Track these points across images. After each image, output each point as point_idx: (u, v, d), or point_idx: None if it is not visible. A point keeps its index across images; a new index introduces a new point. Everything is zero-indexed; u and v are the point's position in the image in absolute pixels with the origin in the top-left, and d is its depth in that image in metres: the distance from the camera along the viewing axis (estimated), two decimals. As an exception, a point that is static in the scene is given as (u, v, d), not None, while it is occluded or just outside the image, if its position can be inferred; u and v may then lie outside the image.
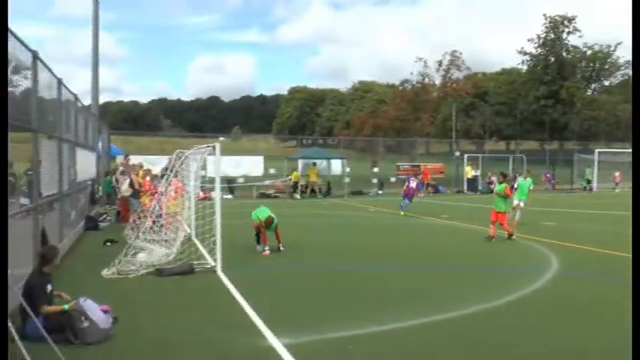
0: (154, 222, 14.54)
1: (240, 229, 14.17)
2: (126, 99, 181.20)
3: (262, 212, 13.76)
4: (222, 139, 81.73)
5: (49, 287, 7.22)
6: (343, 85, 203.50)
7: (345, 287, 10.18)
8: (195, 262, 11.61)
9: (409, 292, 9.77)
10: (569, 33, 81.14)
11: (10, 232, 8.53)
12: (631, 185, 42.79)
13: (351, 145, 66.66)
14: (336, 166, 38.98)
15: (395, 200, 32.74)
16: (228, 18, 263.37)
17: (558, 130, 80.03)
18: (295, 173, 36.12)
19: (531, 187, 19.49)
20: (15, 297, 6.70)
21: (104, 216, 19.91)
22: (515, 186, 19.53)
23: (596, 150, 47.84)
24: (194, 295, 9.52)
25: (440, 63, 61.19)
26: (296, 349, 6.63)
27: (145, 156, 31.47)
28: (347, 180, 37.21)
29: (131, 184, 18.24)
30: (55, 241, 11.04)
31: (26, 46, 8.94)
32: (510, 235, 16.04)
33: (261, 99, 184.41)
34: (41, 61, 10.03)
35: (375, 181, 40.54)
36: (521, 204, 19.13)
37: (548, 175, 43.81)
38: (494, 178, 40.89)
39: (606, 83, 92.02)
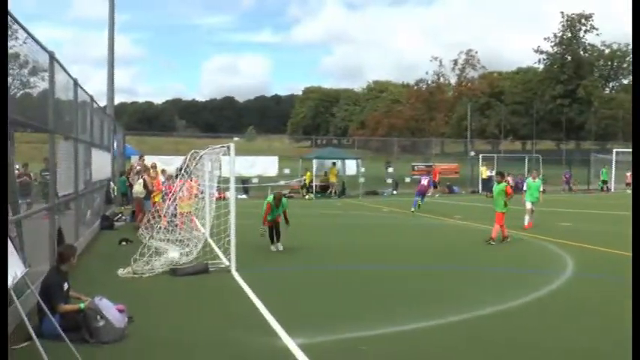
0: (168, 222, 14.66)
1: (255, 229, 14.19)
2: (141, 99, 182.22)
3: (271, 196, 14.12)
4: (236, 139, 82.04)
5: (66, 286, 7.31)
6: (358, 85, 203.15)
7: (358, 287, 10.19)
8: (210, 262, 11.68)
9: (423, 293, 9.77)
10: (586, 31, 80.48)
11: (28, 231, 8.67)
12: (613, 186, 42.52)
13: (366, 145, 66.52)
14: (351, 166, 38.98)
15: (409, 200, 32.72)
16: (242, 18, 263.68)
17: (575, 130, 79.37)
18: (308, 174, 36.22)
19: (542, 189, 19.35)
20: (33, 295, 6.80)
21: (119, 216, 20.09)
22: (525, 187, 19.39)
23: (614, 150, 47.39)
24: (208, 295, 9.59)
25: (455, 62, 61.01)
26: (310, 350, 6.65)
27: (160, 156, 31.71)
28: (361, 180, 37.20)
29: (145, 185, 18.37)
30: (70, 240, 11.17)
31: (43, 48, 9.06)
32: (505, 237, 15.62)
33: (276, 99, 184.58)
34: (58, 62, 10.15)
35: (389, 181, 40.49)
36: (533, 206, 18.93)
37: (567, 176, 43.45)
38: (509, 179, 40.72)
39: (625, 82, 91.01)
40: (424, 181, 26.07)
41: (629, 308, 8.56)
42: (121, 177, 24.36)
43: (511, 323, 7.95)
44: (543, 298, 9.40)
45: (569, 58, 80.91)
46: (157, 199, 17.58)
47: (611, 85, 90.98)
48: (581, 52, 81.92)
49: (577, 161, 56.56)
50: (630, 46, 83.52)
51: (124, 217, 20.03)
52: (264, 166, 37.27)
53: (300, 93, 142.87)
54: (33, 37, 8.20)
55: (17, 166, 13.56)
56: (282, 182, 37.43)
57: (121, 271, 11.00)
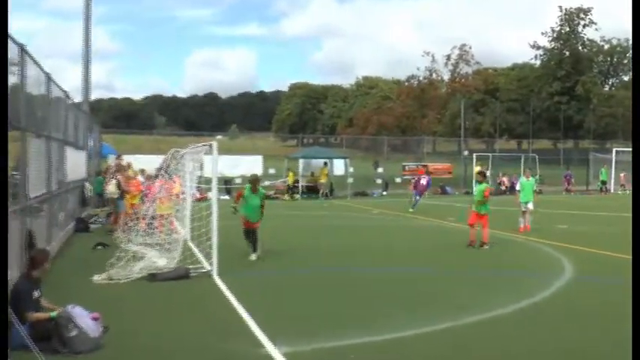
0: (147, 225, 14.58)
1: (238, 231, 14.15)
2: (119, 95, 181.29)
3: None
4: (219, 137, 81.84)
5: (37, 294, 7.22)
6: (347, 81, 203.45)
7: (346, 292, 10.19)
8: (191, 267, 11.63)
9: (413, 298, 9.79)
10: (584, 26, 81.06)
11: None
12: (612, 187, 42.68)
13: (355, 144, 66.64)
14: (339, 166, 38.98)
15: (400, 201, 32.74)
16: (226, 11, 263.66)
17: (573, 128, 79.92)
18: (291, 174, 36.05)
19: (536, 188, 19.55)
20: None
21: (95, 218, 19.96)
22: (518, 188, 19.24)
23: (614, 149, 47.74)
24: (189, 301, 9.54)
25: (448, 57, 61.28)
26: (295, 359, 6.64)
27: (139, 155, 31.53)
28: (350, 180, 37.23)
29: (118, 185, 18.26)
30: (42, 244, 11.07)
31: (13, 40, 8.96)
32: (484, 243, 15.28)
33: (261, 96, 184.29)
34: (29, 55, 10.05)
35: (379, 181, 40.56)
36: (530, 206, 18.84)
37: (568, 177, 43.50)
38: (505, 179, 40.94)
39: (625, 78, 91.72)
40: (423, 181, 27.22)
41: (629, 313, 8.64)
42: (97, 177, 24.21)
43: (504, 330, 7.98)
44: (539, 303, 9.45)
45: (567, 53, 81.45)
46: (135, 201, 17.49)
47: (610, 81, 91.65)
48: (580, 48, 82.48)
49: (575, 161, 57.00)
50: (630, 42, 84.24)
51: (100, 220, 19.90)
52: (248, 165, 37.10)
53: (287, 89, 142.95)
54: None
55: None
56: (267, 183, 37.34)
57: (96, 277, 10.92)
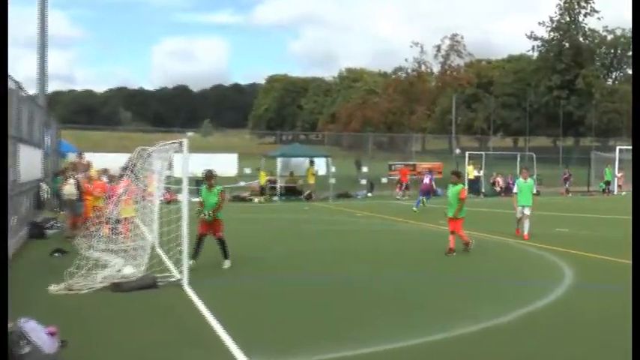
0: (111, 229, 14.47)
1: (210, 236, 14.06)
2: (79, 87, 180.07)
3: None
4: (190, 134, 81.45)
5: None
6: (329, 74, 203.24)
7: (326, 302, 10.18)
8: (158, 275, 11.55)
9: (401, 307, 9.80)
10: (586, 15, 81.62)
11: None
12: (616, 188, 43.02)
13: (338, 142, 66.71)
14: (320, 165, 39.04)
15: (386, 203, 32.84)
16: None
17: (573, 125, 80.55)
18: (262, 173, 35.92)
19: (535, 190, 19.42)
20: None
21: (52, 222, 19.73)
22: (515, 190, 18.82)
23: (617, 147, 48.22)
24: (156, 313, 9.47)
25: (438, 48, 61.35)
26: (273, 375, 6.61)
27: (102, 153, 31.32)
28: (332, 181, 37.27)
29: (78, 186, 18.08)
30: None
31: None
32: (467, 244, 15.43)
33: (236, 89, 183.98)
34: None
35: (363, 182, 40.64)
36: (527, 211, 18.39)
37: (566, 177, 43.82)
38: (499, 179, 41.22)
39: (629, 72, 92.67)
40: (426, 180, 28.64)
41: (632, 323, 8.71)
42: (55, 177, 23.97)
43: (499, 341, 8.01)
44: (537, 312, 9.51)
45: (567, 44, 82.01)
46: (98, 203, 17.34)
47: (613, 75, 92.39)
48: (581, 38, 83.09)
49: (576, 160, 57.50)
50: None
51: (58, 224, 19.69)
52: (221, 164, 36.82)
53: (264, 82, 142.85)
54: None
55: None
56: (242, 183, 37.32)
57: (53, 288, 10.79)
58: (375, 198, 37.71)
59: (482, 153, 45.44)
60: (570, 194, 40.40)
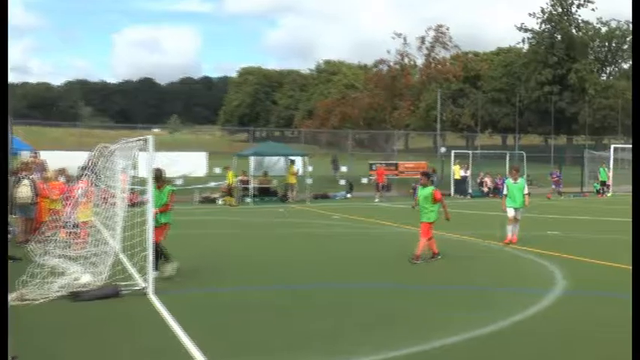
0: (69, 234, 14.35)
1: (178, 241, 14.04)
2: (34, 80, 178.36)
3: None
4: (156, 130, 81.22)
5: None
6: (306, 66, 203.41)
7: (301, 311, 10.20)
8: (122, 284, 11.48)
9: (380, 317, 9.82)
10: (579, 6, 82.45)
11: None
12: (611, 189, 43.26)
13: (315, 139, 66.77)
14: (296, 164, 39.03)
15: (366, 205, 32.90)
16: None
17: (566, 122, 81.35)
18: (230, 173, 35.78)
19: (526, 190, 18.33)
20: None
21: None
22: (505, 192, 18.48)
23: (612, 146, 48.77)
24: (119, 325, 9.41)
25: (422, 40, 61.57)
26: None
27: (60, 151, 31.07)
28: (309, 181, 37.29)
29: (33, 187, 17.89)
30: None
31: None
32: (435, 254, 15.22)
33: (206, 82, 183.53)
34: None
35: (342, 182, 40.71)
36: (518, 215, 18.14)
37: (554, 177, 43.88)
38: (487, 180, 41.52)
39: (625, 66, 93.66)
40: None
41: (627, 333, 8.81)
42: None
43: (483, 353, 8.07)
44: (525, 321, 9.57)
45: (559, 37, 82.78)
46: (55, 206, 17.19)
47: (608, 70, 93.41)
48: (574, 31, 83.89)
49: (568, 159, 58.11)
50: (631, 25, 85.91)
51: (10, 229, 19.47)
52: (190, 164, 37.03)
53: (236, 75, 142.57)
54: None
55: None
56: (212, 184, 37.21)
57: (5, 297, 10.68)
58: (354, 200, 37.79)
59: (470, 151, 45.76)
60: (562, 196, 40.55)
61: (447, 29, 62.13)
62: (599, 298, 11.51)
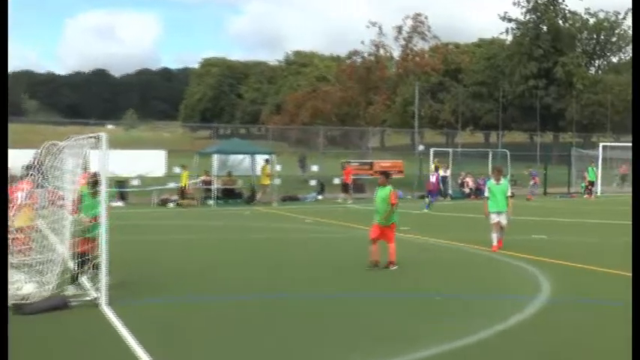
0: (12, 240, 14.13)
1: (136, 247, 13.93)
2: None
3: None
4: (111, 127, 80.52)
5: None
6: (273, 57, 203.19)
7: (268, 324, 10.14)
8: (71, 294, 11.35)
9: (355, 329, 9.83)
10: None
11: None
12: (600, 189, 43.63)
13: (284, 136, 66.69)
14: (263, 163, 38.94)
15: (339, 208, 32.93)
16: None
17: (552, 119, 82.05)
18: (185, 173, 35.46)
19: (510, 192, 18.07)
20: None
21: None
22: (487, 194, 18.23)
23: (600, 144, 49.33)
24: (68, 340, 9.31)
25: (399, 30, 61.82)
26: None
27: (2, 149, 30.56)
28: (277, 182, 37.22)
29: None
30: None
31: None
32: (391, 263, 14.84)
33: (165, 74, 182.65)
34: None
35: (313, 183, 40.68)
36: (502, 220, 17.76)
37: (533, 177, 43.69)
38: (469, 180, 41.75)
39: (614, 60, 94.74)
40: (432, 178, 31.46)
41: (619, 339, 8.91)
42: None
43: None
44: (510, 330, 9.64)
45: (545, 28, 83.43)
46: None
47: (596, 63, 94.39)
48: (560, 22, 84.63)
49: (555, 157, 58.64)
50: (621, 17, 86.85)
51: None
52: (148, 163, 36.70)
53: (198, 66, 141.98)
54: None
55: None
56: (172, 185, 36.98)
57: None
58: (325, 202, 37.78)
59: (450, 150, 46.01)
60: (534, 199, 39.95)
61: (426, 18, 62.47)
62: (586, 305, 11.63)
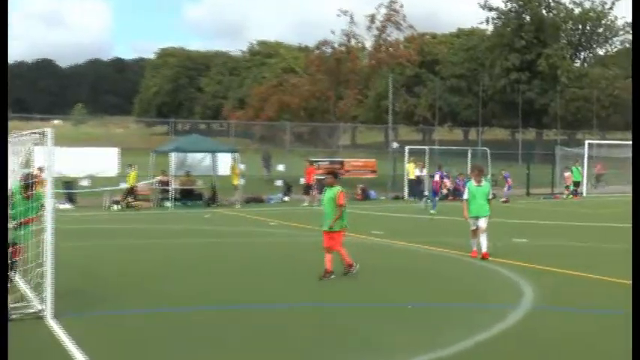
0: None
1: (84, 253, 13.80)
2: None
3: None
4: (57, 122, 79.82)
5: None
6: (236, 48, 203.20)
7: (230, 336, 10.12)
8: (11, 305, 11.21)
9: (323, 340, 9.84)
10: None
11: None
12: (585, 190, 44.00)
13: (247, 133, 66.55)
14: (225, 162, 38.83)
15: (307, 210, 32.93)
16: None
17: (535, 115, 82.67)
18: (133, 174, 35.13)
19: (491, 196, 17.79)
20: None
21: None
22: (466, 196, 17.81)
23: (586, 141, 49.83)
24: (9, 357, 9.18)
25: (372, 19, 61.92)
26: None
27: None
28: (240, 182, 37.13)
29: None
30: None
31: None
32: (350, 266, 14.80)
33: (117, 65, 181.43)
34: None
35: (279, 183, 40.62)
36: (482, 223, 17.43)
37: (508, 179, 42.91)
38: (447, 180, 41.89)
39: (600, 52, 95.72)
40: (436, 177, 32.69)
41: (604, 349, 9.01)
42: None
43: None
44: (492, 340, 9.68)
45: (528, 18, 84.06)
46: None
47: (582, 55, 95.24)
48: (544, 11, 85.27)
49: (538, 156, 59.12)
50: (607, 7, 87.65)
51: None
52: (99, 161, 36.44)
53: (153, 57, 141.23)
54: None
55: None
56: (124, 185, 36.72)
57: None
58: (292, 203, 37.75)
59: (426, 147, 46.07)
60: (505, 201, 39.76)
61: (401, 7, 62.61)
62: (570, 313, 11.70)
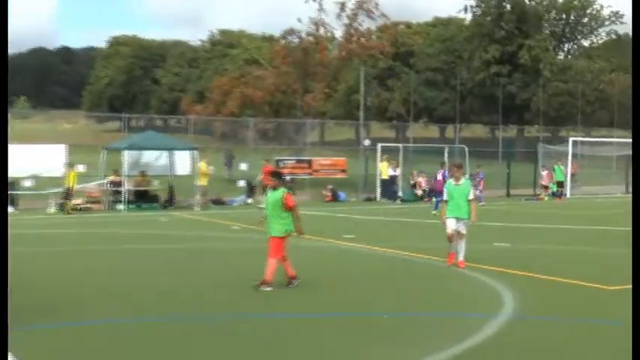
0: None
1: (25, 261, 13.62)
2: None
3: None
4: (-2, 117, 79.09)
5: None
6: (195, 37, 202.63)
7: (188, 350, 10.11)
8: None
9: (286, 354, 9.86)
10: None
11: None
12: (569, 191, 44.31)
13: (207, 129, 66.28)
14: (183, 160, 38.65)
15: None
16: None
17: (516, 110, 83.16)
18: (73, 174, 34.63)
19: (472, 196, 17.25)
20: None
21: None
22: (445, 197, 17.47)
23: (570, 138, 50.20)
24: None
25: (342, 6, 61.97)
26: None
27: None
28: (200, 182, 36.98)
29: None
30: None
31: None
32: (292, 278, 14.58)
33: (65, 54, 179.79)
34: None
35: (241, 184, 40.49)
36: (462, 228, 17.00)
37: (479, 178, 42.43)
38: (421, 180, 42.06)
39: (585, 44, 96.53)
40: (439, 176, 33.37)
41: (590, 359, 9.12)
42: None
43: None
44: (470, 352, 9.73)
45: (509, 6, 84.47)
46: None
47: (566, 47, 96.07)
48: (526, 0, 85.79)
49: (519, 154, 59.52)
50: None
51: None
52: (44, 160, 36.04)
53: (105, 46, 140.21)
54: None
55: None
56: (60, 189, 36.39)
57: None
58: (256, 205, 37.65)
59: (400, 145, 46.16)
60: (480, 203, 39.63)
61: (374, -6, 62.81)
62: (554, 322, 11.78)
